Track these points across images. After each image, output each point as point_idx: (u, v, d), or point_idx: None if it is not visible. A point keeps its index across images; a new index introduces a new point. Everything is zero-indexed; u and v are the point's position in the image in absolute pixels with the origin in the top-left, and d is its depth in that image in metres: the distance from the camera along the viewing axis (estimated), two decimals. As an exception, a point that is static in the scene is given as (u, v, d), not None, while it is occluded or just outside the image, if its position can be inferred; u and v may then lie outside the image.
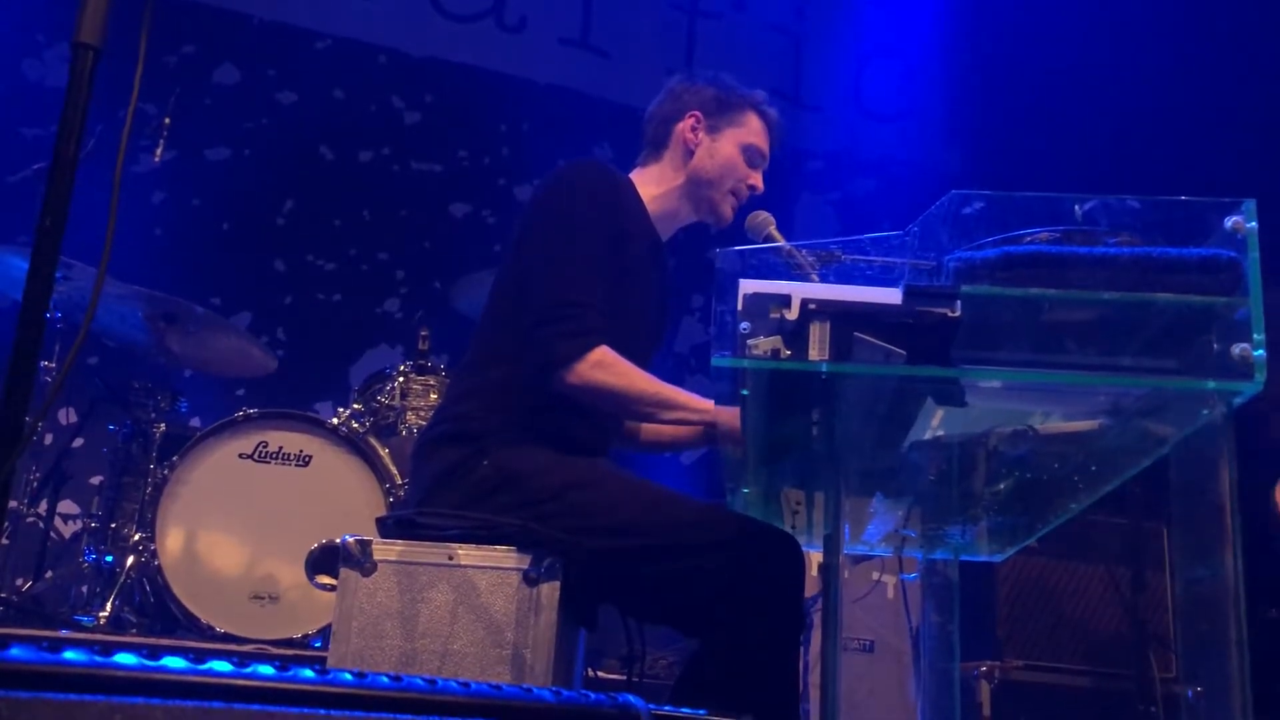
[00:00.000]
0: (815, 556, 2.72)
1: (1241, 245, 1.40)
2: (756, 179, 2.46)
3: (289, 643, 3.29)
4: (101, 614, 3.29)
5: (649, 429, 2.51)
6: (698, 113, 2.45)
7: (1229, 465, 1.43)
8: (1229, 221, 1.41)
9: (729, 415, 2.12)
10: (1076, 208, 1.53)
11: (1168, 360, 1.43)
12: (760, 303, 1.46)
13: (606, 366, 2.12)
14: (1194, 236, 1.44)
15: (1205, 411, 1.47)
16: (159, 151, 3.76)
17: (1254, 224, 1.40)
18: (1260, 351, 1.36)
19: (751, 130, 2.46)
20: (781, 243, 2.09)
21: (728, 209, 2.44)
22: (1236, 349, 1.38)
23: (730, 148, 2.43)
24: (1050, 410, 1.66)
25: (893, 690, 3.54)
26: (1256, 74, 4.53)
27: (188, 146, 5.02)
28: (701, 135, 2.44)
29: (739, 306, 1.47)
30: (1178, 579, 1.55)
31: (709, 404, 2.15)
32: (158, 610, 3.42)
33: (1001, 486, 1.94)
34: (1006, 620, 3.71)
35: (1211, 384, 1.41)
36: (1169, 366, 1.43)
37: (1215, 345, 1.40)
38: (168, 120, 3.77)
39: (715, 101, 2.45)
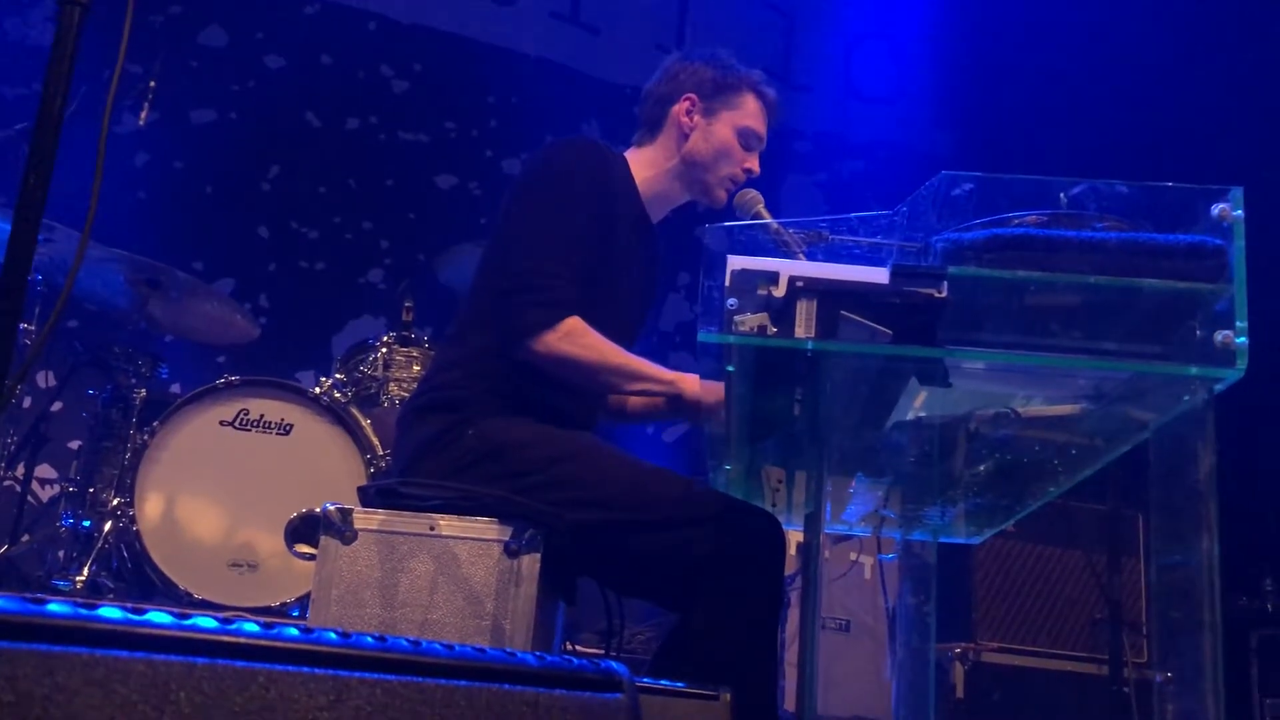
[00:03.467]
0: (795, 535, 2.73)
1: (1228, 233, 1.40)
2: (753, 162, 2.43)
3: (267, 610, 3.28)
4: (79, 578, 3.28)
5: (616, 398, 2.51)
6: (693, 95, 2.42)
7: (1209, 452, 1.44)
8: (1216, 209, 1.42)
9: (691, 384, 2.13)
10: (1062, 195, 1.54)
11: (1151, 345, 1.44)
12: (748, 279, 1.46)
13: (575, 338, 2.12)
14: (1181, 223, 1.44)
15: (1186, 398, 1.48)
16: (144, 113, 3.72)
17: (1240, 212, 1.41)
18: (1242, 339, 1.37)
19: (748, 113, 2.43)
20: (769, 221, 2.09)
21: (721, 193, 2.41)
22: (1219, 336, 1.38)
23: (726, 131, 2.40)
24: (1032, 393, 1.66)
25: (868, 670, 3.57)
26: (1247, 61, 4.54)
27: (172, 109, 4.97)
28: (697, 119, 2.41)
29: (726, 283, 1.47)
30: (1153, 564, 1.57)
31: (674, 374, 2.16)
32: (135, 576, 3.41)
33: (981, 469, 1.96)
34: (982, 602, 3.74)
35: (1194, 370, 1.41)
36: (1152, 352, 1.44)
37: (1199, 332, 1.41)
38: (153, 83, 3.73)
39: (712, 84, 2.42)
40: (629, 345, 2.27)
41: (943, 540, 2.37)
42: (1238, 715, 3.85)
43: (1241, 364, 1.38)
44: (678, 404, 2.19)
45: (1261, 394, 1.75)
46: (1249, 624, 3.93)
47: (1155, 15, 4.91)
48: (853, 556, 3.63)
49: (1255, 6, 4.55)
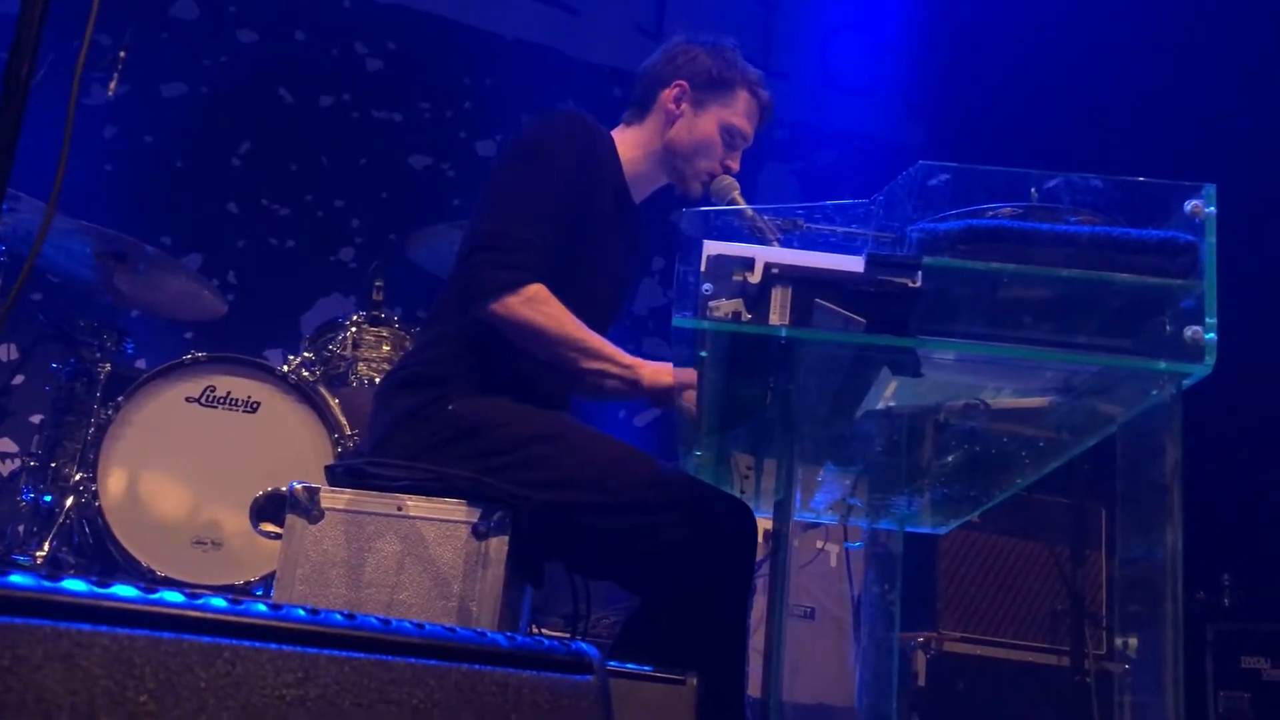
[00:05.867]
0: (763, 522, 2.74)
1: (1200, 229, 1.41)
2: (733, 160, 2.41)
3: (231, 589, 3.26)
4: (39, 554, 3.25)
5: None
6: (684, 83, 2.40)
7: (1175, 447, 1.46)
8: (1189, 205, 1.43)
9: (651, 372, 2.11)
10: (1033, 190, 1.54)
11: (1121, 339, 1.45)
12: (723, 265, 1.46)
13: (537, 305, 2.10)
14: (1154, 218, 1.45)
15: (1155, 392, 1.49)
16: (113, 85, 3.67)
17: (1212, 208, 1.42)
18: (1212, 335, 1.39)
19: (738, 111, 2.41)
20: (745, 207, 2.09)
21: (696, 185, 2.39)
22: (1189, 331, 1.40)
23: (710, 125, 2.39)
24: (1002, 385, 1.67)
25: (832, 657, 3.59)
26: (1221, 57, 4.58)
27: (142, 81, 4.90)
28: (684, 107, 2.40)
29: (702, 268, 1.46)
30: (1116, 558, 1.58)
31: (636, 361, 2.15)
32: (97, 552, 3.38)
33: (949, 459, 1.97)
34: (946, 592, 3.78)
35: (1163, 365, 1.43)
36: (1122, 346, 1.45)
37: (1168, 327, 1.42)
38: (123, 53, 3.67)
39: (707, 75, 2.40)
40: (606, 326, 2.26)
41: (909, 530, 2.38)
42: (1193, 706, 3.91)
43: (1210, 360, 1.39)
44: (638, 390, 2.18)
45: (1228, 390, 1.77)
46: (1206, 618, 3.99)
47: (1130, 11, 4.94)
48: (819, 544, 3.64)
49: (1230, 2, 4.58)
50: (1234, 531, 4.04)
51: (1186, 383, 1.45)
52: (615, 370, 2.15)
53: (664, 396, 2.12)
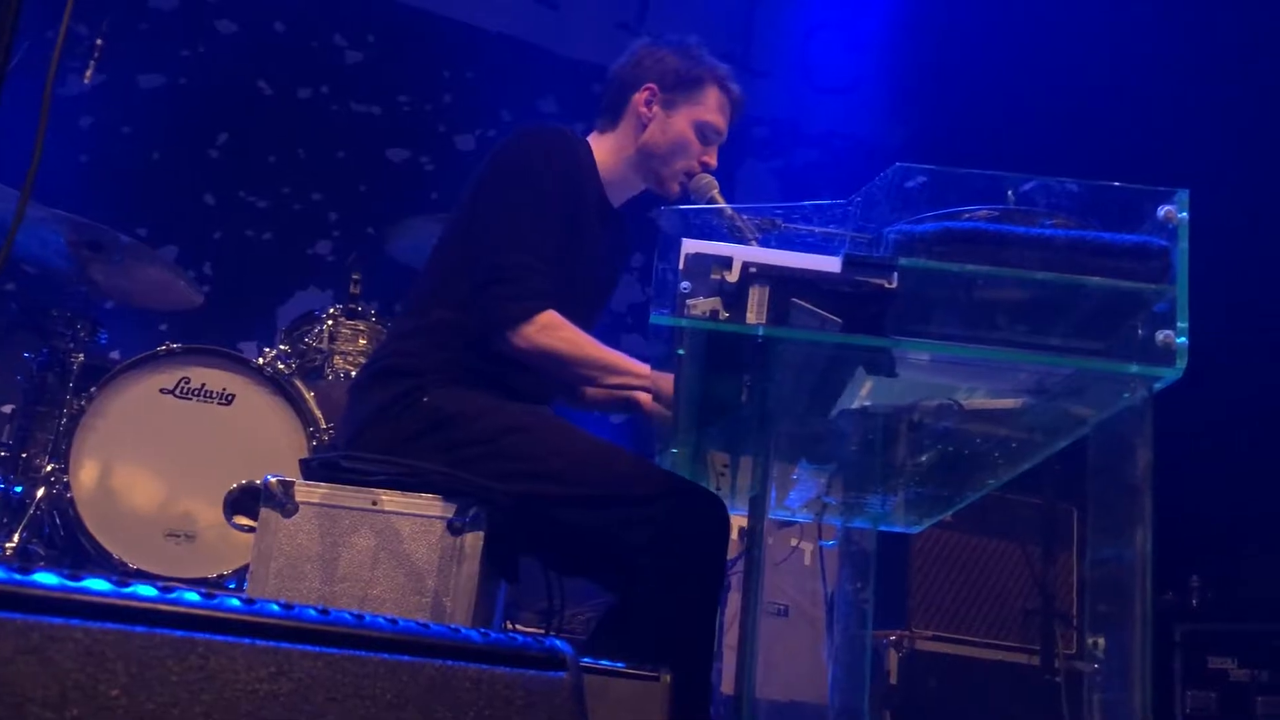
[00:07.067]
0: (738, 520, 2.75)
1: (1172, 234, 1.43)
2: (710, 156, 2.42)
3: (204, 582, 3.24)
4: (8, 545, 3.21)
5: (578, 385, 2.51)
6: (654, 85, 2.41)
7: (1146, 449, 1.47)
8: (1162, 210, 1.44)
9: (667, 383, 2.13)
10: (1010, 192, 1.56)
11: (1094, 342, 1.47)
12: (702, 263, 1.47)
13: (553, 331, 2.15)
14: (1128, 222, 1.47)
15: (1126, 395, 1.51)
16: (89, 73, 3.63)
17: (1185, 214, 1.44)
18: (1183, 339, 1.40)
19: (709, 108, 2.41)
20: (724, 206, 2.10)
21: (674, 186, 2.40)
22: (1160, 335, 1.41)
23: (683, 125, 2.39)
24: (976, 386, 1.69)
25: (805, 655, 3.61)
26: (1199, 64, 4.62)
27: (120, 71, 4.86)
28: (656, 109, 2.40)
29: (680, 266, 1.47)
30: (1087, 558, 1.60)
31: (648, 370, 2.17)
32: (68, 544, 3.35)
33: (923, 459, 1.98)
34: (919, 591, 3.80)
35: (1134, 368, 1.44)
36: (1095, 348, 1.47)
37: (1140, 330, 1.43)
38: (99, 41, 3.64)
39: (674, 75, 2.41)
40: (588, 330, 2.28)
41: (882, 528, 2.40)
42: (1161, 705, 3.95)
43: (1181, 364, 1.41)
44: (628, 402, 2.21)
45: (1197, 393, 1.79)
46: (1174, 618, 4.03)
47: (1109, 17, 4.98)
48: (793, 542, 3.65)
49: (1208, 10, 4.62)
50: (1203, 533, 4.08)
51: (1158, 386, 1.47)
52: (636, 382, 2.21)
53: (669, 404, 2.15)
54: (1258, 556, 4.24)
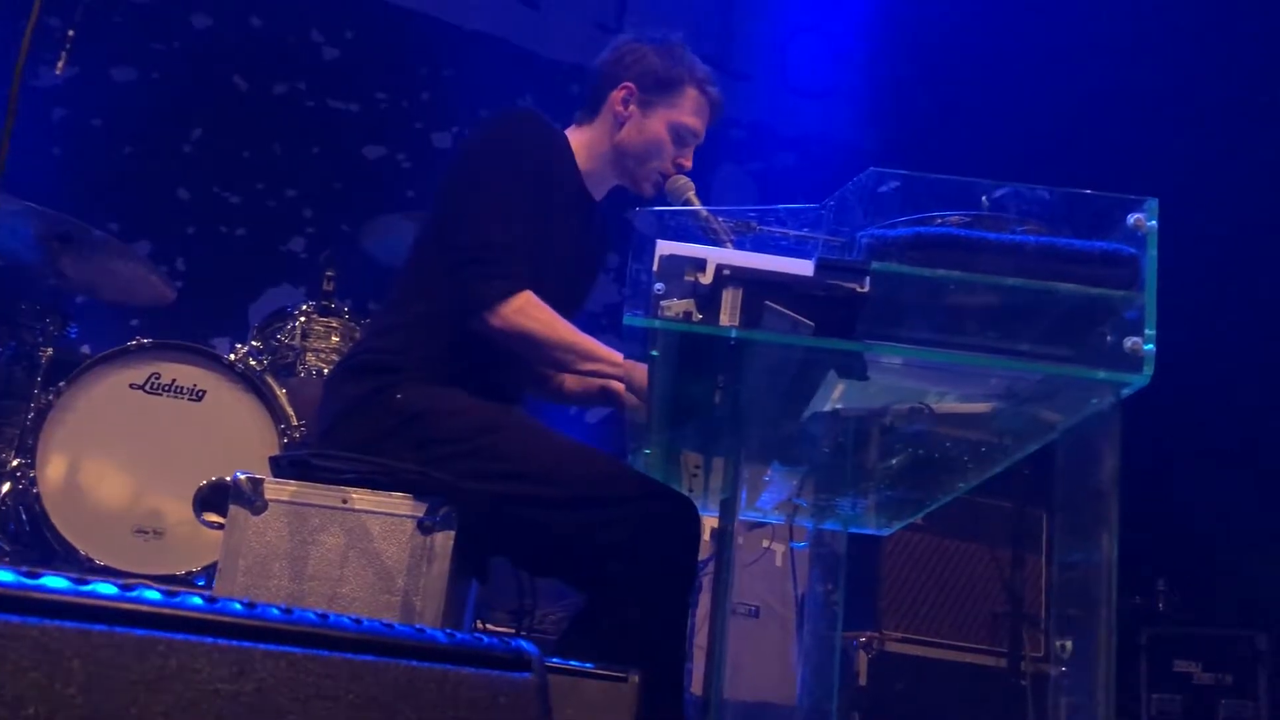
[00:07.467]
0: (710, 520, 2.75)
1: (1141, 242, 1.44)
2: (685, 158, 2.41)
3: (172, 579, 3.22)
4: (-27, 541, 3.18)
5: (555, 377, 2.50)
6: (632, 85, 2.40)
7: (1113, 454, 1.48)
8: (1131, 218, 1.45)
9: (642, 373, 2.13)
10: (984, 197, 1.56)
11: (1063, 349, 1.48)
12: (676, 265, 1.47)
13: (529, 312, 2.13)
14: (1098, 230, 1.48)
15: (1094, 401, 1.52)
16: (61, 64, 3.59)
17: (1154, 222, 1.45)
18: (1150, 346, 1.42)
19: (686, 110, 2.40)
20: (699, 208, 2.10)
21: (648, 186, 2.40)
22: (1129, 342, 1.42)
23: (659, 126, 2.38)
24: (947, 390, 1.70)
25: (774, 656, 3.62)
26: (1172, 75, 4.66)
27: (92, 64, 4.82)
28: (633, 108, 2.40)
29: (655, 267, 1.47)
30: (1055, 561, 1.61)
31: (629, 362, 2.16)
32: (34, 539, 3.31)
33: (894, 462, 1.99)
34: (888, 593, 3.82)
35: (1103, 374, 1.45)
36: (1064, 354, 1.48)
37: (1109, 337, 1.44)
38: (71, 32, 3.60)
39: (654, 76, 2.39)
40: (568, 318, 2.27)
41: (853, 530, 2.41)
42: (1126, 708, 3.99)
43: (1149, 371, 1.42)
44: (608, 394, 2.20)
45: (1164, 399, 1.80)
46: (1140, 621, 4.07)
47: (1083, 27, 5.02)
48: (765, 543, 3.66)
49: (1179, 20, 4.67)
50: (1168, 538, 4.12)
51: (1126, 392, 1.48)
52: (608, 370, 2.18)
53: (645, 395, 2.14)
54: (1223, 561, 4.29)
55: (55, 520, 3.21)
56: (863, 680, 3.64)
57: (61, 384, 3.32)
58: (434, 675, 0.78)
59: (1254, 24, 4.47)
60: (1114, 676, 1.45)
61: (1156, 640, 4.01)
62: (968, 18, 5.54)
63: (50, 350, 3.53)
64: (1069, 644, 1.52)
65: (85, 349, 4.13)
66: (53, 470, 3.27)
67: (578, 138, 2.43)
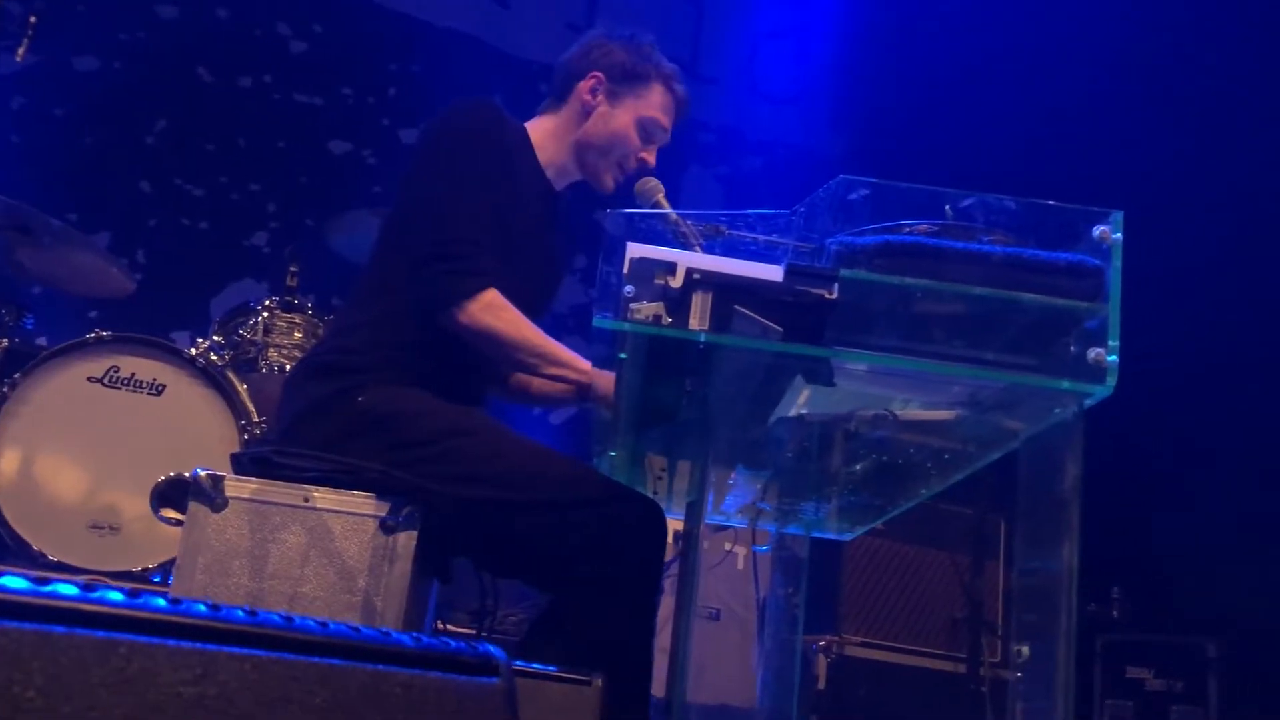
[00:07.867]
0: (674, 524, 2.75)
1: (1106, 254, 1.46)
2: (649, 154, 2.42)
3: (128, 575, 3.18)
4: (-77, 535, 3.13)
5: (522, 378, 2.49)
6: (600, 75, 2.40)
7: (1075, 463, 1.50)
8: (1097, 230, 1.47)
9: (605, 381, 2.13)
10: (948, 208, 1.58)
11: (1027, 358, 1.49)
12: (646, 268, 1.47)
13: (495, 310, 2.11)
14: (1064, 241, 1.50)
15: (1058, 410, 1.53)
16: (21, 51, 3.54)
17: (1119, 235, 1.47)
18: (1113, 357, 1.43)
19: (652, 104, 2.41)
20: (669, 211, 2.10)
21: (609, 179, 2.41)
22: (1092, 353, 1.44)
23: (626, 118, 2.39)
24: (911, 397, 1.71)
25: (735, 658, 3.63)
26: (1138, 86, 4.72)
27: (54, 53, 4.75)
28: (600, 99, 2.40)
29: (625, 270, 1.47)
30: (1015, 568, 1.62)
31: (588, 365, 2.16)
32: (-14, 534, 3.26)
33: (857, 467, 2.00)
34: (849, 597, 3.84)
35: (1066, 384, 1.47)
36: (1028, 364, 1.49)
37: (1073, 348, 1.46)
38: (33, 18, 3.55)
39: (622, 68, 2.40)
40: (535, 315, 2.26)
41: (815, 535, 2.42)
42: (1080, 713, 4.04)
43: (1111, 381, 1.44)
44: (585, 394, 2.19)
45: (1123, 409, 1.82)
46: (1095, 628, 4.12)
47: (1050, 38, 5.07)
48: (727, 546, 3.67)
49: (1152, 29, 4.72)
50: (1124, 546, 4.17)
51: (1088, 402, 1.50)
52: (572, 375, 2.18)
53: (608, 403, 2.13)
54: (1176, 570, 4.35)
55: (8, 514, 3.16)
56: (822, 684, 3.65)
57: (17, 376, 3.27)
58: (400, 679, 0.78)
59: (1225, 34, 4.54)
60: (1073, 682, 1.47)
61: (1110, 647, 4.06)
62: (936, 26, 5.58)
63: (5, 342, 3.48)
64: (1027, 649, 1.53)
65: (42, 341, 4.07)
66: (6, 464, 3.22)
67: (543, 126, 2.43)
